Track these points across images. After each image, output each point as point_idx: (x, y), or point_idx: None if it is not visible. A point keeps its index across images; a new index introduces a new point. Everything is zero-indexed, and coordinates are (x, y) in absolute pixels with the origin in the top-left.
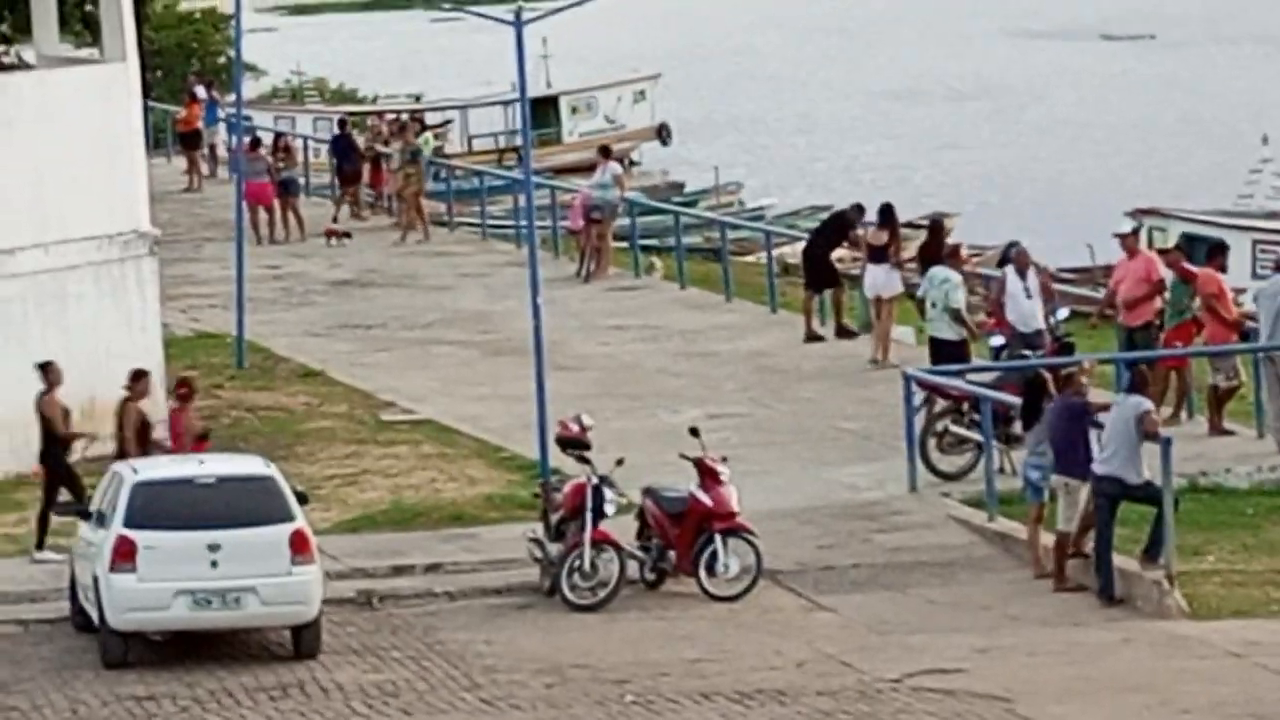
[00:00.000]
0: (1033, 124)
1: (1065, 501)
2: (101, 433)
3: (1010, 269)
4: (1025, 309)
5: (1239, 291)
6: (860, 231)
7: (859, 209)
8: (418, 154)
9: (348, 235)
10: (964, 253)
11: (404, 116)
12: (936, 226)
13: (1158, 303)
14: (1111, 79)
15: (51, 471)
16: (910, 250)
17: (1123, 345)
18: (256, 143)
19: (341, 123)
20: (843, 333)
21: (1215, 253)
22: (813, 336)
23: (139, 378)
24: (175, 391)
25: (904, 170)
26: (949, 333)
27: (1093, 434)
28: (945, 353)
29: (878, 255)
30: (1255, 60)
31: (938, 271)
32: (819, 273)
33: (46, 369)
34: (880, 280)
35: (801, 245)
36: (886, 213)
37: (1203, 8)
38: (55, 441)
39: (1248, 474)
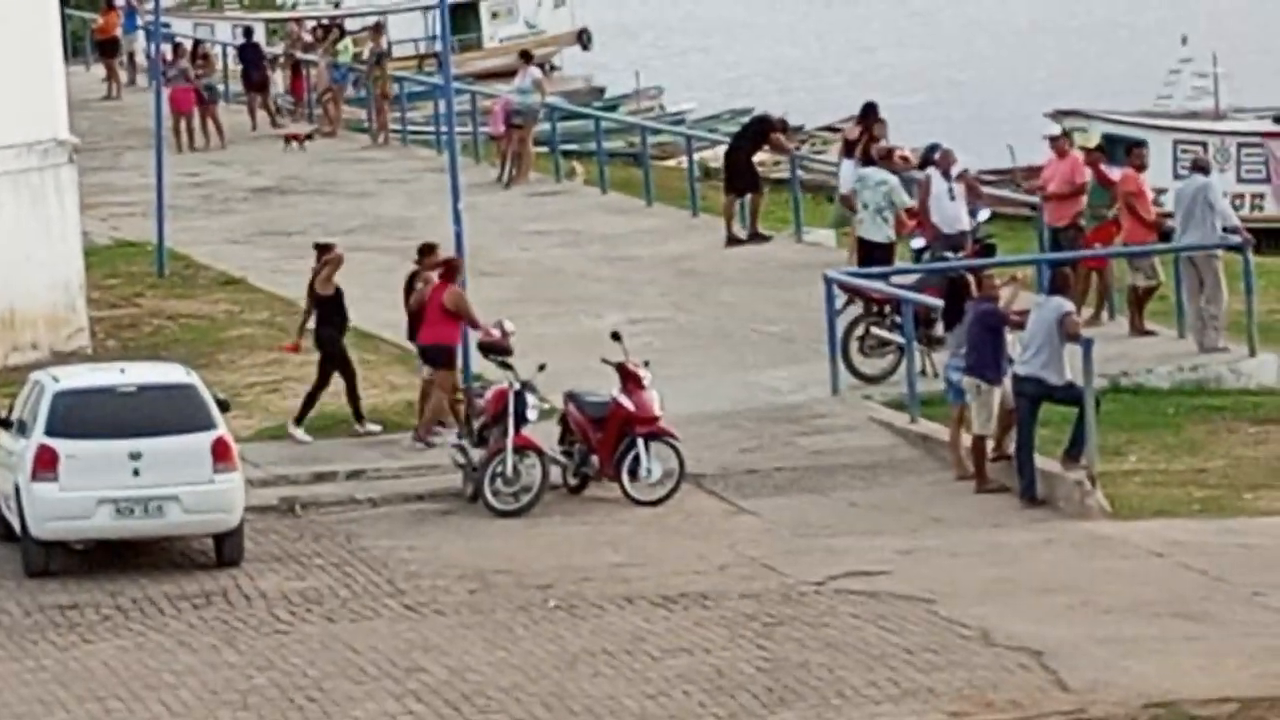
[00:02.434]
0: (951, 25)
1: (978, 404)
2: (22, 340)
3: (934, 171)
4: (950, 211)
5: (1160, 192)
6: (780, 136)
7: (783, 121)
8: (383, 57)
9: (309, 138)
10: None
11: (365, 21)
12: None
13: (1081, 204)
14: None
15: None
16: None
17: (1050, 246)
18: (176, 49)
19: (248, 31)
20: (756, 237)
21: (1133, 150)
22: (734, 240)
23: (428, 251)
24: (443, 269)
25: (821, 73)
26: (878, 234)
27: (1011, 337)
28: (873, 255)
29: (850, 151)
30: None
31: (873, 173)
32: (740, 177)
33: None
34: (849, 176)
35: (723, 149)
36: (866, 110)
37: None
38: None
39: (1169, 374)
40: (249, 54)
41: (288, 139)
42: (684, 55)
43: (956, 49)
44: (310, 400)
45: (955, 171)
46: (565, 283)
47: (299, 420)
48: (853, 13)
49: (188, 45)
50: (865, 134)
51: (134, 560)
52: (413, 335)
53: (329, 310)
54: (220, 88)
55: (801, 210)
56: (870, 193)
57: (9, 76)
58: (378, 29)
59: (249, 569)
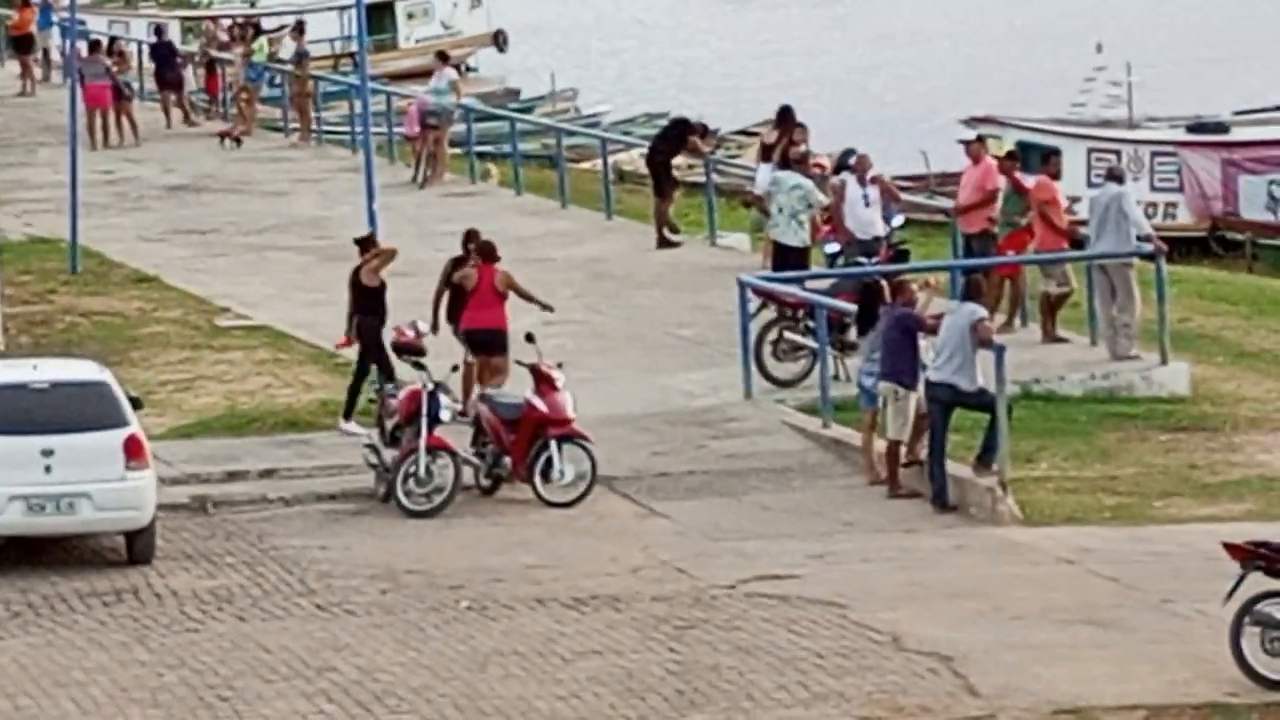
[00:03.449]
0: (866, 31)
1: (894, 410)
2: None
3: (850, 176)
4: (864, 216)
5: (1074, 200)
6: (697, 139)
7: (703, 125)
8: (304, 56)
9: (238, 141)
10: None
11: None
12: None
13: (993, 211)
14: None
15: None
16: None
17: (963, 252)
18: (95, 45)
19: (159, 29)
20: (664, 241)
21: (1048, 159)
22: (665, 243)
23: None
24: (481, 251)
25: (736, 77)
26: (793, 239)
27: (924, 342)
28: (789, 259)
29: (768, 155)
30: None
31: (787, 177)
32: (657, 178)
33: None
34: (765, 180)
35: (637, 152)
36: (783, 114)
37: None
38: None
39: (1080, 381)
40: (161, 52)
41: (222, 136)
42: (599, 58)
43: (871, 55)
44: (353, 392)
45: (870, 175)
46: None
47: (347, 415)
48: (768, 18)
49: (105, 42)
50: (783, 138)
51: (44, 557)
52: (452, 319)
53: (373, 302)
54: (135, 85)
55: (716, 214)
56: (785, 196)
57: None
58: (300, 28)
59: (160, 567)
